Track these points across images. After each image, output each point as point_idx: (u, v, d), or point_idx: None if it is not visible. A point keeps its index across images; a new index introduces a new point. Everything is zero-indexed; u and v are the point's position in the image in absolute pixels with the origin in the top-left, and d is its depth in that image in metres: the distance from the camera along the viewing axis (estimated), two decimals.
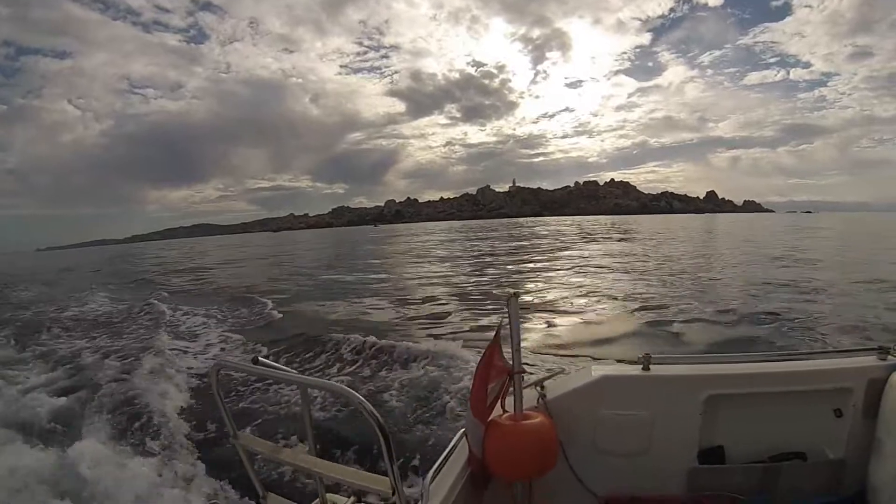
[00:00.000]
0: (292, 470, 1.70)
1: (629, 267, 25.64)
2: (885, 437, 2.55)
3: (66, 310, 19.45)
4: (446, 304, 16.61)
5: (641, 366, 2.79)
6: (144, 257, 70.70)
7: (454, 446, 2.38)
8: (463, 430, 2.42)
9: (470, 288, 20.17)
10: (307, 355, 10.66)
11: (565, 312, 14.23)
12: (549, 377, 2.90)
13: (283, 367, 1.99)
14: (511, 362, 2.44)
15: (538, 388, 2.76)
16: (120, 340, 13.09)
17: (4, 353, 12.00)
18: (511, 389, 2.48)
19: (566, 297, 16.74)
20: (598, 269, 24.82)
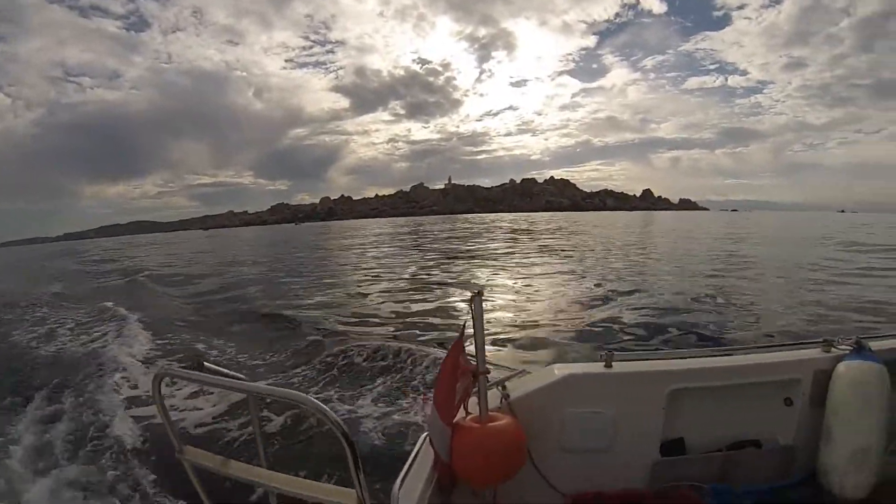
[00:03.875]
0: (247, 486, 1.56)
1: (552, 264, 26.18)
2: (832, 423, 2.72)
3: None
4: (403, 302, 16.45)
5: (604, 363, 2.83)
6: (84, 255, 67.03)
7: (419, 451, 2.33)
8: (426, 434, 2.36)
9: (429, 283, 20.16)
10: (260, 360, 10.27)
11: (524, 311, 14.30)
12: (511, 377, 2.89)
13: (232, 374, 1.90)
14: (475, 363, 2.38)
15: (501, 389, 2.73)
16: (57, 345, 12.25)
17: None
18: (475, 391, 2.43)
19: (524, 296, 16.84)
20: (542, 267, 25.11)
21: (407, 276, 23.37)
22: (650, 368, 2.90)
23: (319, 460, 5.45)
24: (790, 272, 21.17)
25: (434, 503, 2.19)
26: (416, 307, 15.32)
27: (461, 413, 2.45)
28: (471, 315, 2.31)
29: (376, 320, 13.70)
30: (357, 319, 13.85)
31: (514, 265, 26.54)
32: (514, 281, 20.32)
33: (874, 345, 3.01)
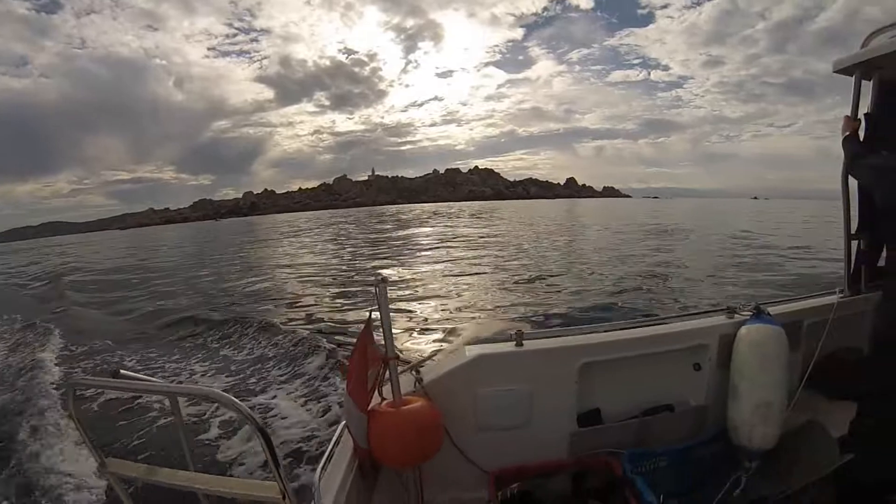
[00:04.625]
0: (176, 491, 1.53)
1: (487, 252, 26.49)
2: (737, 383, 2.95)
3: None
4: (312, 294, 16.37)
5: (515, 342, 2.91)
6: None
7: (338, 440, 2.37)
8: (344, 422, 2.37)
9: (336, 276, 20.05)
10: (178, 362, 9.96)
11: (436, 297, 14.50)
12: (424, 361, 2.96)
13: (148, 378, 1.87)
14: (384, 349, 2.43)
15: (414, 373, 2.79)
16: None
17: None
18: (387, 376, 2.49)
19: (435, 282, 17.06)
20: (456, 254, 25.49)
21: (323, 268, 23.42)
22: (560, 345, 3.01)
23: (247, 455, 5.45)
24: (699, 252, 22.33)
25: (357, 489, 2.22)
26: (333, 300, 15.33)
27: (377, 399, 2.51)
28: (377, 302, 2.34)
29: (295, 314, 13.61)
30: (277, 314, 13.72)
31: (427, 253, 27.02)
32: (426, 268, 20.67)
33: (772, 310, 3.28)
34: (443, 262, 22.64)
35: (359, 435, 2.31)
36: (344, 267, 23.56)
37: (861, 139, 3.24)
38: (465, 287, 16.09)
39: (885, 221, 2.91)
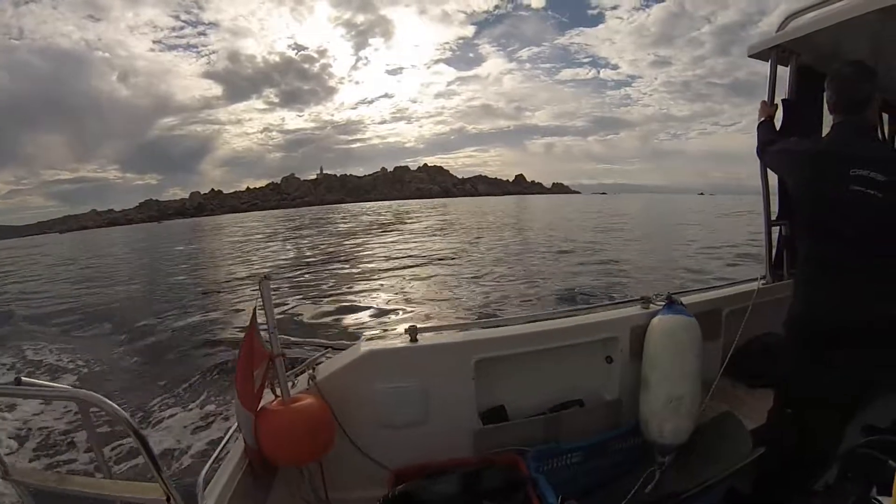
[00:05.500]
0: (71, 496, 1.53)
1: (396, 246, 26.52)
2: (648, 375, 2.87)
3: None
4: (198, 293, 16.25)
5: (409, 337, 2.82)
6: None
7: (228, 440, 2.35)
8: (236, 424, 2.34)
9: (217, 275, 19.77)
10: (81, 369, 9.48)
11: (331, 293, 14.40)
12: (317, 358, 2.89)
13: (51, 384, 1.73)
14: (270, 346, 2.37)
15: (309, 371, 2.72)
16: None
17: None
18: (276, 374, 2.43)
19: (331, 278, 17.05)
20: (363, 250, 25.52)
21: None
22: (455, 340, 2.94)
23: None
24: (634, 245, 22.76)
25: (245, 488, 2.16)
26: (216, 306, 14.92)
27: (270, 397, 2.45)
28: (261, 299, 2.30)
29: (195, 316, 13.19)
30: (182, 317, 13.26)
31: (338, 249, 27.04)
32: (331, 265, 20.59)
33: (691, 299, 3.27)
34: (348, 259, 22.53)
35: (248, 435, 2.26)
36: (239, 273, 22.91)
37: (779, 125, 3.21)
38: (371, 282, 16.08)
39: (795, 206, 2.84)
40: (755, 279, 3.63)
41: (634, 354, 3.00)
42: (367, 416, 2.74)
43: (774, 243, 3.77)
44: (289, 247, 32.70)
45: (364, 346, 2.83)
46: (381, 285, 15.51)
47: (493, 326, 3.12)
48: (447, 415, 2.81)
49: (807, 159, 2.47)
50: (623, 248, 22.16)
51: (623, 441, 2.96)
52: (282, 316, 11.70)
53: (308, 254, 27.31)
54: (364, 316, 11.56)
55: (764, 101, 3.30)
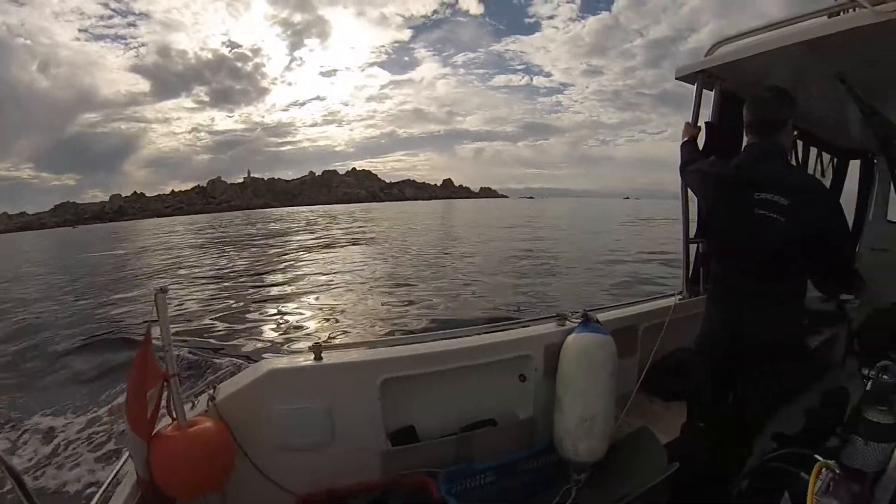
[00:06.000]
0: None
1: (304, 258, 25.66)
2: (562, 395, 2.86)
3: None
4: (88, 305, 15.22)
5: (313, 356, 2.69)
6: None
7: (118, 472, 2.15)
8: (127, 453, 2.17)
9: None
10: None
11: (236, 307, 13.73)
12: (217, 377, 2.75)
13: None
14: (165, 365, 2.17)
15: (209, 391, 2.54)
16: None
17: None
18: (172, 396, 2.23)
19: (238, 290, 16.27)
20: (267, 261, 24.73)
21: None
22: (361, 358, 2.84)
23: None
24: (556, 254, 22.92)
25: None
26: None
27: (167, 421, 2.24)
28: (156, 313, 2.11)
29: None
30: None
31: (248, 259, 26.04)
32: (241, 277, 19.68)
33: (607, 315, 3.31)
34: (258, 272, 21.36)
35: (139, 464, 2.07)
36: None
37: (702, 146, 3.31)
38: (281, 296, 15.29)
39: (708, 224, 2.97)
40: (672, 294, 3.75)
41: (549, 373, 2.97)
42: (271, 439, 2.59)
43: (692, 260, 3.89)
44: (197, 255, 31.03)
45: (266, 365, 2.69)
46: (291, 299, 14.74)
47: (403, 344, 3.03)
48: (354, 436, 2.70)
49: (716, 181, 2.56)
50: (544, 259, 21.91)
51: (537, 460, 2.93)
52: (180, 331, 10.95)
53: (217, 263, 25.95)
54: (270, 332, 10.99)
55: (688, 123, 3.40)
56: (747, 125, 2.46)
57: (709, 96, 3.63)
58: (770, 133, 2.38)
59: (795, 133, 3.14)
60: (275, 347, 9.40)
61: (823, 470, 1.34)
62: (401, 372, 2.76)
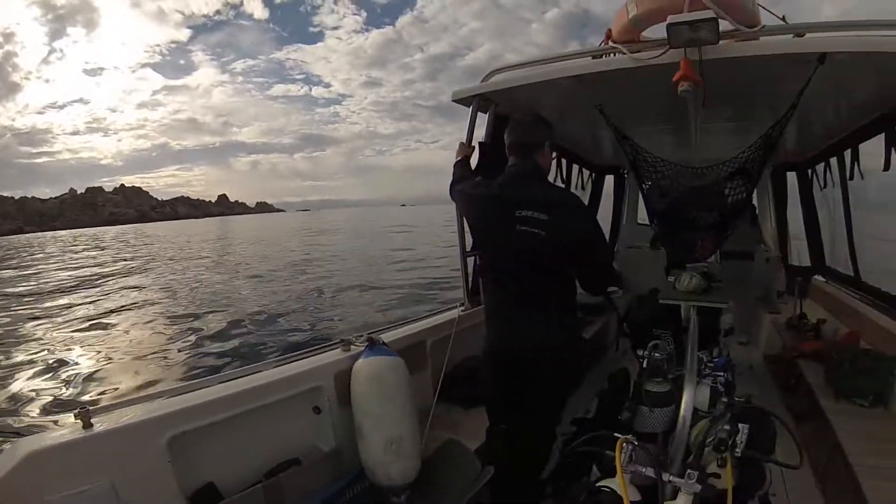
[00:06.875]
0: None
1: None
2: (361, 422, 2.82)
3: None
4: None
5: (81, 424, 2.23)
6: None
7: None
8: None
9: None
10: None
11: None
12: None
13: None
14: None
15: None
16: None
17: None
18: None
19: None
20: None
21: None
22: (141, 417, 2.40)
23: None
24: (313, 276, 22.29)
25: None
26: None
27: None
28: None
29: None
30: None
31: None
32: None
33: (392, 335, 3.36)
34: None
35: None
36: None
37: (474, 165, 3.48)
38: (28, 351, 12.10)
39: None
40: (455, 307, 3.99)
41: (343, 401, 2.94)
42: None
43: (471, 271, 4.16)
44: None
45: (24, 447, 2.10)
46: (45, 358, 11.40)
47: (188, 391, 2.67)
48: None
49: (480, 202, 2.73)
50: (321, 276, 21.73)
51: (352, 489, 2.85)
52: None
53: None
54: (20, 402, 8.54)
55: (462, 143, 3.57)
56: (508, 147, 2.65)
57: (483, 118, 3.92)
58: (528, 154, 2.59)
59: (554, 154, 3.51)
60: (29, 423, 7.51)
61: (624, 444, 1.51)
62: (189, 425, 2.44)
